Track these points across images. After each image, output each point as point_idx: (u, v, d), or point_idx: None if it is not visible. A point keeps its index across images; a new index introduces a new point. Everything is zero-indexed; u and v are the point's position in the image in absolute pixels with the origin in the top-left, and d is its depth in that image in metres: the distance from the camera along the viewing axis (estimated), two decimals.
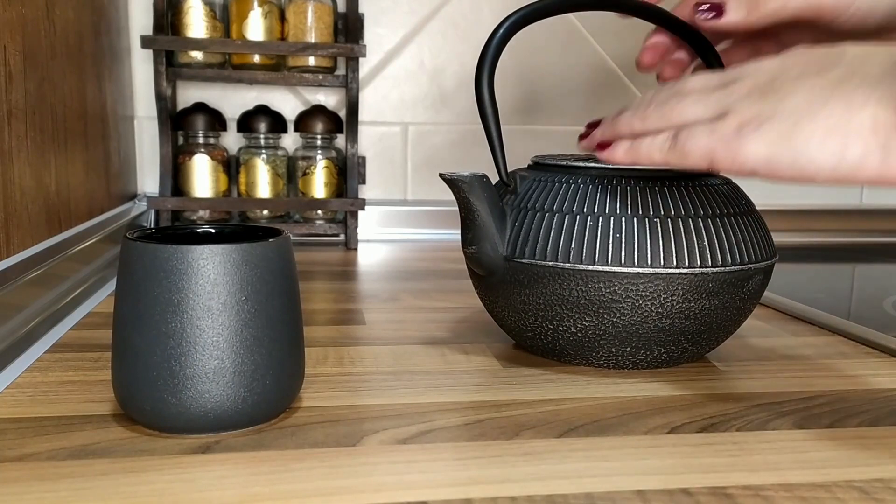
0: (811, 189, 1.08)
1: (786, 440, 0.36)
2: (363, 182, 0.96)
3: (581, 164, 0.45)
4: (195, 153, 0.86)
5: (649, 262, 0.41)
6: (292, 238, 0.38)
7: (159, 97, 0.84)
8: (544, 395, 0.42)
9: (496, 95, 0.44)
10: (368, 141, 0.96)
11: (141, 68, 0.90)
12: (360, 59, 0.91)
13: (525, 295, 0.44)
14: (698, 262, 0.41)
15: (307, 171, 0.89)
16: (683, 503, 0.30)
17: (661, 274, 0.41)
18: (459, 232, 0.46)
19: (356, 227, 0.89)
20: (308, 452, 0.34)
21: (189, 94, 0.92)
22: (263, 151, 0.88)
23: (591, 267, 0.41)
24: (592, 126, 0.43)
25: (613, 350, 0.44)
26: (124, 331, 0.35)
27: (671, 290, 0.41)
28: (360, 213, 0.92)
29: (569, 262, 0.42)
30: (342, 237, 0.91)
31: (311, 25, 0.86)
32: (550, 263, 0.42)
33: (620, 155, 0.39)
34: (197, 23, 0.83)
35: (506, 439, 0.36)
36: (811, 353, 0.51)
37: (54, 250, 0.57)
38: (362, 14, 0.92)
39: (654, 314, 0.42)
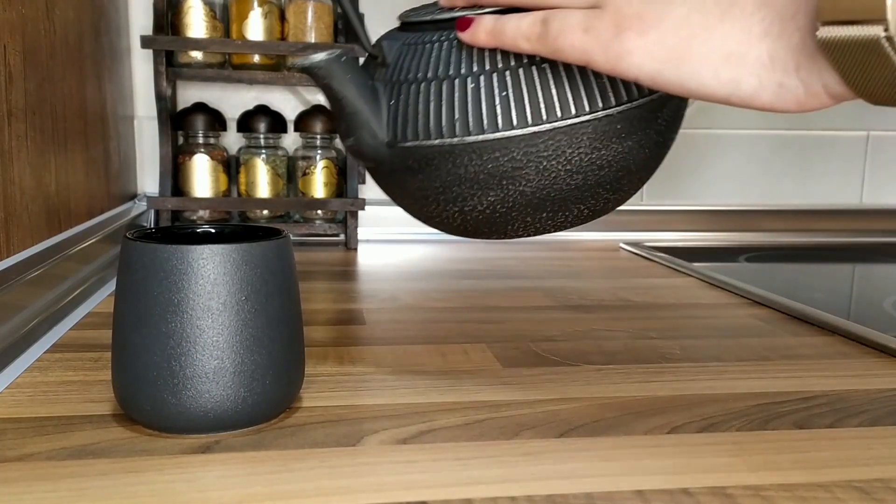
0: (811, 189, 1.08)
1: (786, 440, 0.36)
2: (363, 182, 0.96)
3: (451, 14, 0.38)
4: (195, 153, 0.86)
5: (544, 116, 0.36)
6: (292, 238, 0.38)
7: (159, 97, 0.84)
8: (544, 395, 0.42)
9: None
10: None
11: (141, 68, 0.90)
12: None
13: (419, 181, 0.39)
14: (599, 104, 0.36)
15: (307, 171, 0.89)
16: (684, 503, 0.30)
17: (561, 127, 0.36)
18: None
19: (356, 227, 0.89)
20: (308, 452, 0.34)
21: (189, 94, 0.92)
22: (263, 151, 0.88)
23: (481, 137, 0.36)
24: None
25: (529, 219, 0.40)
26: (124, 331, 0.35)
27: (576, 143, 0.37)
28: (360, 212, 0.92)
29: (456, 135, 0.37)
30: (342, 237, 0.91)
31: (311, 25, 0.86)
32: (437, 142, 0.37)
33: (483, 38, 0.36)
34: (197, 23, 0.83)
35: (506, 439, 0.36)
36: (811, 353, 0.51)
37: (54, 250, 0.57)
38: (362, 14, 0.92)
39: (562, 173, 0.37)
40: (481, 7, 0.38)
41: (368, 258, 0.83)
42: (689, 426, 0.38)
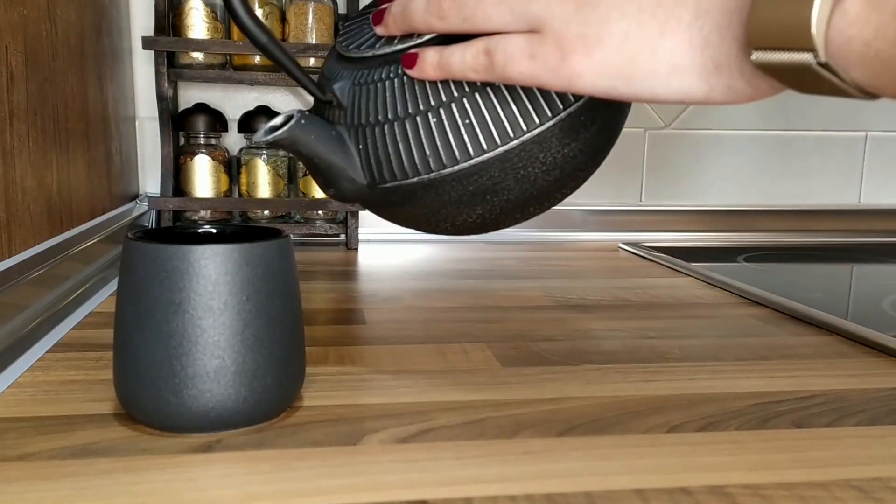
0: (809, 189, 1.08)
1: (784, 439, 0.37)
2: None
3: (395, 47, 0.39)
4: (196, 153, 0.86)
5: (511, 133, 0.37)
6: (293, 238, 0.38)
7: (160, 98, 0.84)
8: (544, 395, 0.42)
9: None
10: None
11: (142, 69, 0.90)
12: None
13: (407, 210, 0.41)
14: (560, 106, 0.37)
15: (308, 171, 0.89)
16: (682, 502, 0.30)
17: (530, 139, 0.37)
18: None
19: (356, 227, 0.89)
20: (309, 451, 0.34)
21: (190, 95, 0.92)
22: (264, 152, 0.88)
23: (456, 167, 0.37)
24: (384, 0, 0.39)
25: (518, 216, 0.41)
26: (126, 330, 0.35)
27: (546, 146, 0.37)
28: (361, 213, 0.92)
29: (432, 170, 0.38)
30: (343, 237, 0.92)
31: (312, 26, 0.86)
32: (415, 179, 0.38)
33: (431, 73, 0.36)
34: (198, 24, 0.83)
35: (505, 438, 0.36)
36: (809, 353, 0.51)
37: (56, 250, 0.58)
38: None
39: (540, 174, 0.38)
40: (419, 34, 0.38)
41: (369, 258, 0.83)
42: (687, 425, 0.38)
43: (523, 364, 0.47)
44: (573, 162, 0.39)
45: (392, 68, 0.38)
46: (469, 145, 0.37)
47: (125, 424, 0.36)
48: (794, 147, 1.07)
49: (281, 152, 0.89)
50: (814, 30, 0.26)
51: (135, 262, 0.34)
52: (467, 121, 0.37)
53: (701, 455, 0.35)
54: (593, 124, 0.38)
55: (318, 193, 0.89)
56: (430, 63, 0.36)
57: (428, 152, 0.37)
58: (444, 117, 0.37)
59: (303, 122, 0.38)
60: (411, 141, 0.38)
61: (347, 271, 0.76)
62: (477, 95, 0.37)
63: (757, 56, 0.28)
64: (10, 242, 0.51)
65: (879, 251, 0.96)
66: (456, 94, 0.37)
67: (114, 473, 0.32)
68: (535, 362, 0.47)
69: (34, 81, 0.56)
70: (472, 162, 0.37)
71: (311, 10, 0.85)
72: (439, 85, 0.37)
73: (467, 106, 0.37)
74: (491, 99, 0.37)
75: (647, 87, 0.31)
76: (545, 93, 0.37)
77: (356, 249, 0.89)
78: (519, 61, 0.33)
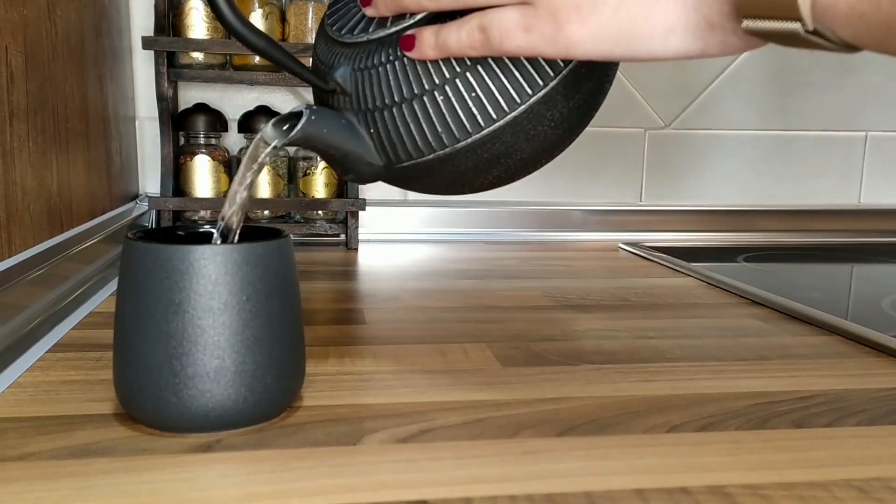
0: (809, 189, 1.08)
1: (784, 439, 0.37)
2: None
3: (389, 30, 0.38)
4: (196, 153, 0.86)
5: (518, 99, 0.37)
6: (293, 238, 0.38)
7: (160, 98, 0.84)
8: (543, 395, 0.42)
9: None
10: None
11: (142, 69, 0.90)
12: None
13: (425, 183, 0.42)
14: (561, 64, 0.37)
15: (308, 171, 0.89)
16: (682, 502, 0.30)
17: (537, 101, 0.37)
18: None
19: (356, 227, 0.89)
20: (309, 451, 0.34)
21: (190, 95, 0.92)
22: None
23: (469, 140, 0.38)
24: None
25: (531, 169, 0.42)
26: (126, 330, 0.35)
27: (552, 104, 0.38)
28: (361, 213, 0.92)
29: (445, 146, 0.38)
30: (343, 237, 0.92)
31: (312, 26, 0.86)
32: (431, 156, 0.39)
33: (430, 53, 0.36)
34: (198, 24, 0.83)
35: (505, 438, 0.36)
36: (809, 353, 0.51)
37: (56, 250, 0.58)
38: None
39: (549, 131, 0.39)
40: (410, 14, 0.38)
41: (369, 258, 0.83)
42: (687, 425, 0.38)
43: (523, 364, 0.47)
44: (578, 112, 0.40)
45: (390, 51, 0.38)
46: (479, 117, 0.37)
47: (125, 424, 0.36)
48: (794, 147, 1.07)
49: (280, 152, 0.89)
50: (800, 3, 0.27)
51: (135, 262, 0.34)
52: (473, 94, 0.37)
53: (701, 455, 0.35)
54: (593, 72, 0.39)
55: (318, 193, 0.89)
56: (428, 44, 0.36)
57: (440, 129, 0.38)
58: (450, 93, 0.37)
59: (313, 117, 0.38)
60: (422, 121, 0.38)
61: (347, 271, 0.76)
62: (479, 68, 0.37)
63: (747, 24, 0.29)
64: (10, 242, 0.51)
65: (879, 251, 0.96)
66: (458, 69, 0.37)
67: (114, 473, 0.32)
68: (534, 362, 0.47)
69: (34, 81, 0.56)
70: (483, 133, 0.38)
71: (310, 9, 0.85)
72: (441, 63, 0.38)
73: (472, 80, 0.37)
74: (493, 69, 0.37)
75: (644, 48, 0.32)
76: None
77: (356, 249, 0.89)
78: (515, 35, 0.33)
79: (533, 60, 0.37)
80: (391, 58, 0.38)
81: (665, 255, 0.84)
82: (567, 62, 0.38)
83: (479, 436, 0.36)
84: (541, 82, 0.37)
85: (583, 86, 0.39)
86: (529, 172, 0.43)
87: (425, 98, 0.38)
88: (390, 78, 0.38)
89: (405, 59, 0.38)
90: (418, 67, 0.38)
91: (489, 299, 0.64)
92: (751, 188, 1.07)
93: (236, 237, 0.39)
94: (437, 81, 0.38)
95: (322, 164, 0.89)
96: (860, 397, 0.43)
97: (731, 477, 0.32)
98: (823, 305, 0.61)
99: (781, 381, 0.45)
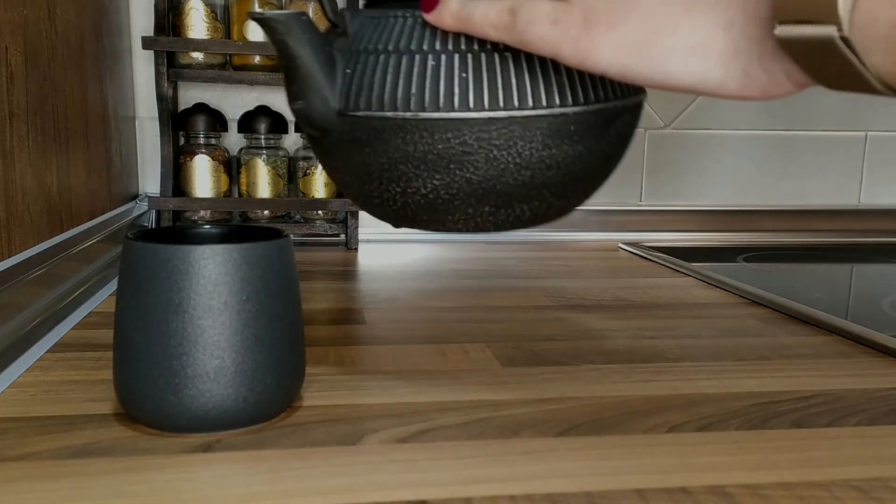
0: (809, 189, 1.08)
1: (784, 439, 0.37)
2: None
3: None
4: (196, 153, 0.86)
5: (501, 103, 0.36)
6: (293, 238, 0.38)
7: (160, 98, 0.84)
8: (543, 395, 0.42)
9: None
10: None
11: (142, 69, 0.90)
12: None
13: (365, 155, 0.38)
14: (557, 101, 0.36)
15: (308, 171, 0.89)
16: (682, 502, 0.30)
17: (517, 118, 0.36)
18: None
19: (356, 227, 0.89)
20: (309, 451, 0.34)
21: (190, 95, 0.92)
22: (264, 152, 0.88)
23: (436, 115, 0.36)
24: None
25: (471, 211, 0.39)
26: (126, 330, 0.35)
27: (528, 136, 0.36)
28: (361, 213, 0.92)
29: (410, 110, 0.36)
30: (342, 237, 0.92)
31: None
32: (390, 114, 0.36)
33: (449, 22, 0.35)
34: (198, 24, 0.83)
35: (505, 438, 0.36)
36: (809, 353, 0.51)
37: (56, 250, 0.58)
38: None
39: (511, 165, 0.37)
40: None
41: (369, 258, 0.83)
42: (687, 425, 0.38)
43: (523, 364, 0.47)
44: (545, 173, 0.38)
45: (408, 12, 0.38)
46: (456, 98, 0.36)
47: (125, 424, 0.36)
48: (794, 147, 1.07)
49: (280, 152, 0.89)
50: (840, 6, 0.26)
51: (135, 262, 0.34)
52: (464, 75, 0.36)
53: (701, 455, 0.35)
54: (579, 143, 0.37)
55: (318, 193, 0.89)
56: (451, 11, 0.35)
57: (413, 90, 0.36)
58: (442, 63, 0.36)
59: (303, 18, 0.37)
60: (401, 75, 0.36)
61: (347, 271, 0.76)
62: (483, 56, 0.36)
63: (781, 30, 0.28)
64: (10, 242, 0.51)
65: (879, 251, 0.96)
66: (463, 47, 0.36)
67: (113, 473, 0.32)
68: (534, 362, 0.47)
69: (34, 81, 0.56)
70: (451, 115, 0.36)
71: (311, 9, 0.85)
72: (450, 34, 0.37)
73: (469, 61, 0.36)
74: (495, 64, 0.36)
75: (662, 66, 0.31)
76: (548, 82, 0.36)
77: (356, 249, 0.89)
78: (541, 24, 0.33)
79: (533, 79, 0.36)
80: (405, 15, 0.38)
81: (665, 255, 0.84)
82: (565, 104, 0.36)
83: (479, 436, 0.36)
84: (530, 102, 0.36)
85: (563, 144, 0.37)
86: (467, 210, 0.39)
87: (416, 57, 0.37)
88: (394, 29, 0.38)
89: (419, 20, 0.37)
90: (426, 31, 0.37)
91: (489, 299, 0.64)
92: (751, 188, 1.07)
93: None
94: (436, 47, 0.37)
95: None
96: (860, 397, 0.43)
97: (731, 477, 0.32)
98: (823, 305, 0.61)
99: (781, 381, 0.45)
